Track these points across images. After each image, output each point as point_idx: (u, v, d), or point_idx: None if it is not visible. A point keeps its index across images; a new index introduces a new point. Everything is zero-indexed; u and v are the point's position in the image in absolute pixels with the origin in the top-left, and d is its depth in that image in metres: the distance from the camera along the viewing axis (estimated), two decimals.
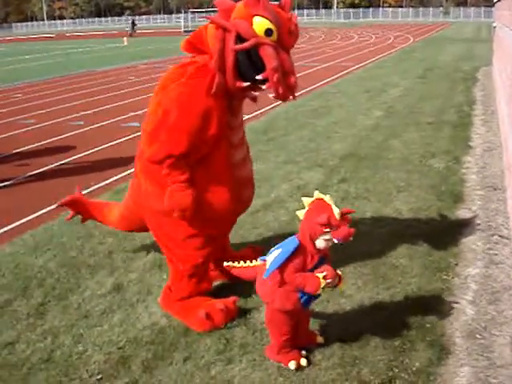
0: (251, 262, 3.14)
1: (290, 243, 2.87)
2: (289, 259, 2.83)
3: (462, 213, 5.18)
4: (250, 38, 3.00)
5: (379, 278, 4.02)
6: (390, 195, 5.73)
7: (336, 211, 2.75)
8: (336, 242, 2.76)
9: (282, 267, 2.84)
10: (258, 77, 3.08)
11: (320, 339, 3.25)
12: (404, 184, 6.06)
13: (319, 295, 2.94)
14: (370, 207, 5.39)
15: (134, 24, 55.12)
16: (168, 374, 3.07)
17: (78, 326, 3.59)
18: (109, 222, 4.28)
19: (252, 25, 3.01)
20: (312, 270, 2.86)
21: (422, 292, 3.81)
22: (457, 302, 3.68)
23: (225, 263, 3.25)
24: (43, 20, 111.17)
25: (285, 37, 3.09)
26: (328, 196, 2.84)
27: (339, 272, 2.92)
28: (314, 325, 3.40)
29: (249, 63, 3.08)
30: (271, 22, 3.01)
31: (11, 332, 3.57)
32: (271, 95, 3.15)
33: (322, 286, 2.79)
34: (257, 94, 3.34)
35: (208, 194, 3.31)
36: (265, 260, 3.00)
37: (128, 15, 61.18)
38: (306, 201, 2.87)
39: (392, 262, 4.24)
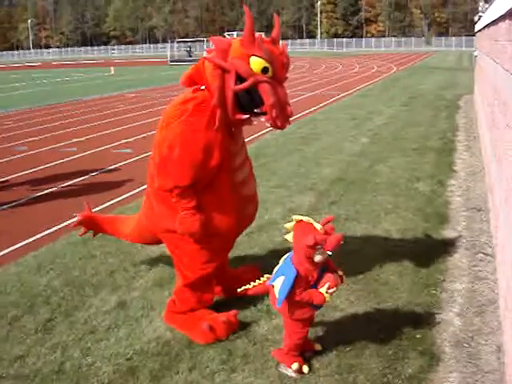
0: (259, 279, 3.41)
1: (289, 272, 3.11)
2: (293, 286, 3.08)
3: (448, 233, 5.43)
4: (249, 76, 3.28)
5: (371, 293, 4.23)
6: (378, 217, 5.97)
7: (318, 227, 3.01)
8: (330, 253, 2.99)
9: (289, 295, 3.10)
10: (257, 110, 3.36)
11: (318, 346, 3.47)
12: (391, 206, 6.30)
13: None
14: (359, 228, 5.62)
15: (190, 51, 54.28)
16: (175, 383, 3.25)
17: (86, 340, 3.76)
18: (121, 235, 4.53)
19: (249, 64, 3.28)
20: (317, 282, 3.12)
21: (411, 306, 4.02)
22: (445, 315, 3.89)
23: (238, 290, 3.51)
24: (29, 49, 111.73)
25: (279, 71, 3.38)
26: (306, 217, 3.11)
27: (340, 273, 3.19)
28: (311, 337, 3.59)
29: (248, 98, 3.36)
30: (267, 60, 3.29)
31: (21, 346, 3.72)
32: (268, 125, 3.42)
33: (328, 300, 3.08)
34: (254, 121, 3.61)
35: (215, 215, 3.57)
36: (272, 285, 3.24)
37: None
38: (289, 225, 3.14)
39: (383, 279, 4.46)
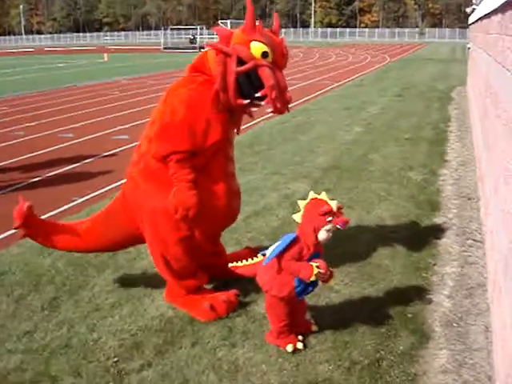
0: (252, 259, 3.49)
1: (288, 236, 3.24)
2: (286, 249, 3.20)
3: (439, 220, 5.60)
4: (249, 60, 3.46)
5: (365, 275, 4.40)
6: (372, 204, 6.13)
7: (333, 203, 3.15)
8: (339, 227, 3.13)
9: (279, 256, 3.21)
10: (257, 94, 3.52)
11: (315, 327, 3.62)
12: (385, 194, 6.47)
13: (312, 289, 3.34)
14: (354, 214, 5.77)
15: (193, 39, 53.07)
16: (178, 357, 3.40)
17: (91, 317, 3.91)
18: (66, 244, 4.15)
19: (250, 49, 3.45)
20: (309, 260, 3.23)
21: (403, 288, 4.20)
22: (435, 297, 4.07)
23: (229, 264, 3.57)
24: (21, 34, 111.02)
25: (278, 58, 3.56)
26: (323, 193, 3.24)
27: (331, 269, 3.29)
28: (307, 316, 3.75)
29: (248, 83, 3.52)
30: (266, 45, 3.48)
31: (28, 323, 3.86)
32: (269, 110, 3.59)
33: (315, 272, 3.14)
34: (255, 109, 3.79)
35: (206, 201, 3.62)
36: (265, 254, 3.36)
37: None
38: (302, 203, 3.25)
39: (376, 262, 4.63)
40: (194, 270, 3.94)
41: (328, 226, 3.13)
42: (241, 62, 3.46)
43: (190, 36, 53.12)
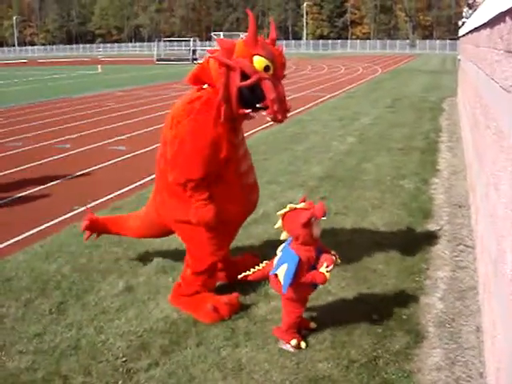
0: (259, 265, 3.76)
1: (292, 259, 3.47)
2: (296, 271, 3.44)
3: (431, 226, 5.78)
4: (252, 74, 3.64)
5: (360, 279, 4.57)
6: (366, 211, 6.31)
7: (300, 206, 3.49)
8: (324, 218, 3.45)
9: (294, 279, 3.45)
10: (259, 105, 3.71)
11: (313, 325, 3.83)
12: (378, 202, 6.65)
13: None
14: (348, 222, 5.96)
15: (194, 52, 53.10)
16: (184, 356, 3.56)
17: (98, 319, 4.06)
18: (126, 232, 4.83)
19: (253, 62, 3.63)
20: (316, 262, 3.50)
21: (398, 291, 4.37)
22: (428, 299, 4.24)
23: (239, 276, 3.81)
24: (14, 46, 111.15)
25: (278, 70, 3.79)
26: (288, 205, 3.53)
27: (333, 252, 3.61)
28: (307, 317, 3.92)
29: (250, 94, 3.72)
30: (268, 59, 3.66)
31: (37, 325, 4.01)
32: (268, 118, 3.77)
33: (327, 276, 3.42)
34: (255, 115, 3.98)
35: (224, 203, 3.90)
36: (274, 274, 3.58)
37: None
38: (279, 214, 3.57)
39: (371, 267, 4.80)
40: (215, 267, 4.21)
41: (315, 224, 3.44)
42: (243, 74, 3.64)
43: (192, 48, 53.23)
